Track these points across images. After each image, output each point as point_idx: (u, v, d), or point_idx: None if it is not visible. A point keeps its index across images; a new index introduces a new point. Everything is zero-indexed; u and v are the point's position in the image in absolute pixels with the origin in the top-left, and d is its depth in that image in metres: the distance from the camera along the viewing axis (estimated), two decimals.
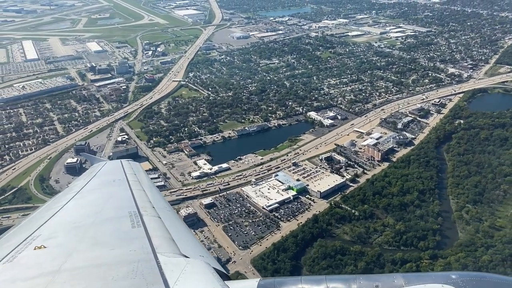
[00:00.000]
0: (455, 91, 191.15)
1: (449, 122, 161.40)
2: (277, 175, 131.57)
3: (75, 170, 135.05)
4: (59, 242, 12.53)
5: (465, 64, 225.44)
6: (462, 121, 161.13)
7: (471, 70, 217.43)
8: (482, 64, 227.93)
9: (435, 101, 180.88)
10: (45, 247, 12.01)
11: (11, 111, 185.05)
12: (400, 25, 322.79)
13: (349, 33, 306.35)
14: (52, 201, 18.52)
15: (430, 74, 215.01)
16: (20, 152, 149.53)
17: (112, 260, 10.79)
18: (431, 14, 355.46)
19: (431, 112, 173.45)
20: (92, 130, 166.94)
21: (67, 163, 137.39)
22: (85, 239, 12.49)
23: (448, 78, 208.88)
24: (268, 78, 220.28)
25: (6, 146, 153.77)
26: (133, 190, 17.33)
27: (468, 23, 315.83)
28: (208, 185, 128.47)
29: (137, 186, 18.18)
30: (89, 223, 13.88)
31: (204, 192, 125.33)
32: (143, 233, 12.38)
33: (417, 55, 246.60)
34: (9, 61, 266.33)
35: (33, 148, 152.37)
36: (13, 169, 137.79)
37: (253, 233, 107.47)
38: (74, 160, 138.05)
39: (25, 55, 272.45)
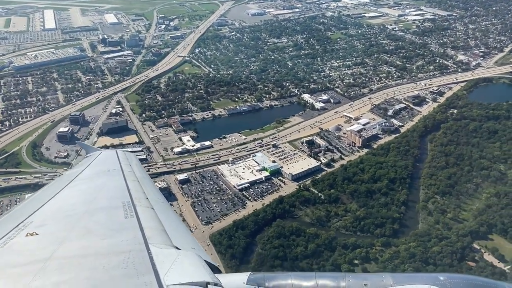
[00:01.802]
0: (456, 79, 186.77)
1: (442, 111, 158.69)
2: (255, 155, 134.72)
3: (66, 139, 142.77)
4: (51, 230, 12.55)
5: (477, 51, 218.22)
6: (455, 111, 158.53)
7: (482, 58, 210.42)
8: (496, 52, 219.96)
9: (433, 89, 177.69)
10: (37, 234, 11.99)
11: (20, 79, 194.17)
12: (421, 8, 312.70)
13: (366, 14, 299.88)
14: (45, 188, 18.77)
15: (437, 61, 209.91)
16: (20, 119, 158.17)
17: (103, 249, 10.83)
18: None
19: (427, 100, 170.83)
20: (97, 99, 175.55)
21: (59, 131, 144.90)
22: (77, 228, 12.49)
23: (455, 66, 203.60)
24: (272, 57, 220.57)
25: (9, 112, 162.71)
26: (127, 181, 17.31)
27: (494, 8, 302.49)
28: (181, 162, 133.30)
29: (131, 176, 18.16)
30: (82, 212, 13.90)
31: (182, 168, 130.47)
32: (136, 224, 12.37)
33: (430, 40, 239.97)
34: (29, 30, 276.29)
35: (32, 115, 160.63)
36: None
37: (218, 210, 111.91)
38: (66, 129, 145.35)
39: (44, 25, 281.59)
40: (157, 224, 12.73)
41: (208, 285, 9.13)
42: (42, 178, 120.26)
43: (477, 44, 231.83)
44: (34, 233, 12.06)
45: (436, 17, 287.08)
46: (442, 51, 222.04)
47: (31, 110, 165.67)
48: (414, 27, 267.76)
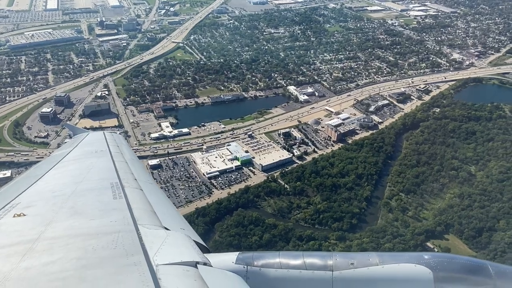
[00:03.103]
0: (445, 78, 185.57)
1: (424, 109, 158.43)
2: (229, 145, 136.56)
3: (48, 119, 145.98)
4: (38, 211, 12.27)
5: (472, 51, 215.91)
6: (438, 110, 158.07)
7: (476, 58, 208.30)
8: (492, 52, 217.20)
9: (420, 87, 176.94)
10: (24, 215, 11.75)
11: (14, 58, 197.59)
12: (426, 3, 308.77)
13: (368, 8, 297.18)
14: (32, 169, 18.70)
15: (430, 58, 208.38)
16: (7, 98, 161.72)
17: (92, 230, 10.69)
18: None
19: (412, 97, 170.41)
20: (91, 78, 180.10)
21: (41, 112, 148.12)
22: (65, 209, 12.22)
23: (447, 64, 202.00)
24: (266, 47, 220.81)
25: None
26: (115, 162, 16.97)
27: (500, 7, 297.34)
28: (152, 147, 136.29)
29: (119, 157, 17.84)
30: (70, 192, 13.64)
31: (156, 153, 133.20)
32: (125, 205, 12.21)
33: (427, 37, 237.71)
34: (31, 9, 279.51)
35: (20, 95, 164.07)
36: None
37: (184, 197, 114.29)
38: (49, 110, 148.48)
39: (46, 5, 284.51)
40: (146, 205, 12.59)
41: (197, 265, 9.08)
42: (16, 156, 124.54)
43: (475, 43, 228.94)
44: (21, 214, 11.79)
45: (439, 13, 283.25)
46: (437, 48, 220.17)
47: (20, 89, 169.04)
48: (415, 23, 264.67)
